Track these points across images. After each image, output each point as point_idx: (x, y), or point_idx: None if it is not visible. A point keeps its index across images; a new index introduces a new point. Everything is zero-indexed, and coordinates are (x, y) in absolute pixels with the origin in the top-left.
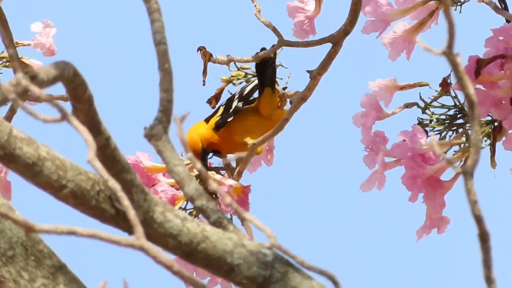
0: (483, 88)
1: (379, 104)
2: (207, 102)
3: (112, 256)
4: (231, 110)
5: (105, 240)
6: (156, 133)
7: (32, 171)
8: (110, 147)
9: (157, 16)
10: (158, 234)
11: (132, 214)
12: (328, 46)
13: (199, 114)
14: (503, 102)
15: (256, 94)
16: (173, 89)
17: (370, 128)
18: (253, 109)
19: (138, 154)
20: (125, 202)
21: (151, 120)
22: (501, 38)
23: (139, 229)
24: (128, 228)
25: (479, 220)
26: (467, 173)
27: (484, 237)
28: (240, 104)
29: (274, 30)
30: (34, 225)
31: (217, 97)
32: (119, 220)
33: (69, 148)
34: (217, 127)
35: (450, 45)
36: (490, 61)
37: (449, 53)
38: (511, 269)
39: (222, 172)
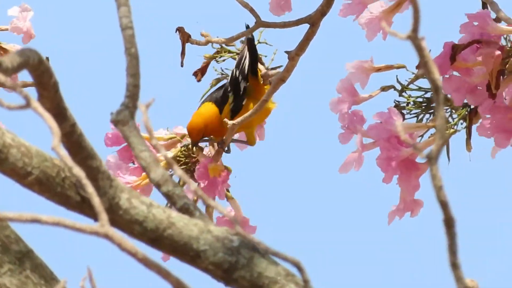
0: (459, 75)
1: (354, 88)
2: (193, 74)
3: (79, 241)
4: (241, 93)
5: (70, 228)
6: (122, 118)
7: None
8: (75, 133)
9: (124, 0)
10: (124, 220)
11: (96, 201)
12: (305, 27)
13: (178, 95)
14: (478, 87)
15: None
16: (139, 74)
17: (346, 114)
18: (251, 92)
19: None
20: (90, 189)
21: (118, 105)
22: (476, 23)
23: (103, 216)
24: (93, 215)
25: (444, 206)
26: (432, 158)
27: (449, 223)
28: (246, 84)
29: (252, 11)
30: None
31: (203, 70)
32: (85, 207)
33: (35, 135)
34: (233, 114)
35: (415, 29)
36: (465, 46)
37: (414, 38)
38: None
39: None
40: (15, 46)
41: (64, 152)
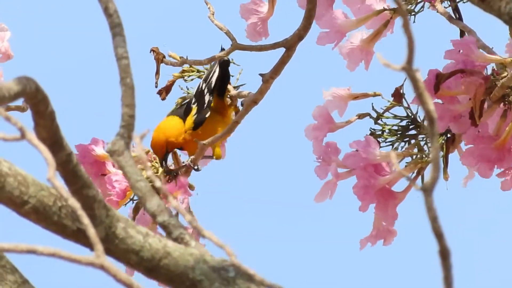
0: (442, 103)
1: (330, 116)
2: (157, 93)
3: (75, 271)
4: (205, 106)
5: (66, 259)
6: (118, 148)
7: None
8: (71, 163)
9: (119, 30)
10: (120, 250)
11: (92, 232)
12: (281, 50)
13: (152, 115)
14: (462, 116)
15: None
16: (135, 104)
17: (322, 141)
18: (216, 112)
19: (93, 140)
20: (85, 220)
21: (113, 135)
22: (461, 51)
23: (99, 247)
24: (90, 244)
25: (439, 237)
26: (427, 190)
27: (444, 254)
28: (211, 98)
29: (228, 33)
30: None
31: (167, 88)
32: (81, 236)
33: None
34: (196, 126)
35: (410, 60)
36: (450, 75)
37: (409, 69)
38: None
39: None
40: None
41: (59, 183)
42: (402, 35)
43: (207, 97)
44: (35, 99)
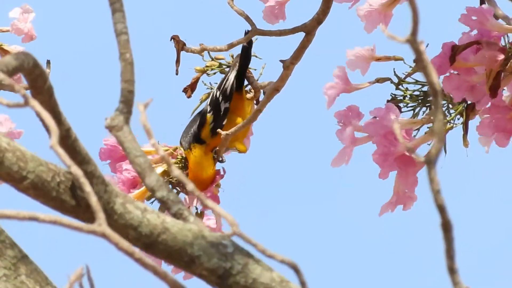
0: (458, 74)
1: (347, 77)
2: (183, 91)
3: (74, 248)
4: (221, 113)
5: (67, 226)
6: (117, 124)
7: None
8: (70, 138)
9: (118, 6)
10: (118, 225)
11: (94, 200)
12: (300, 35)
13: (172, 104)
14: (478, 85)
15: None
16: (134, 79)
17: (334, 100)
18: (234, 109)
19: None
20: (87, 188)
21: (112, 110)
22: (475, 18)
23: (101, 215)
24: (88, 219)
25: (442, 210)
26: (430, 163)
27: (447, 227)
28: (227, 105)
29: (247, 18)
30: None
31: (192, 86)
32: (79, 212)
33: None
34: (214, 134)
35: (414, 32)
36: (465, 47)
37: (413, 41)
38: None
39: None
40: (17, 47)
41: (62, 151)
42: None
43: (222, 105)
44: (33, 75)
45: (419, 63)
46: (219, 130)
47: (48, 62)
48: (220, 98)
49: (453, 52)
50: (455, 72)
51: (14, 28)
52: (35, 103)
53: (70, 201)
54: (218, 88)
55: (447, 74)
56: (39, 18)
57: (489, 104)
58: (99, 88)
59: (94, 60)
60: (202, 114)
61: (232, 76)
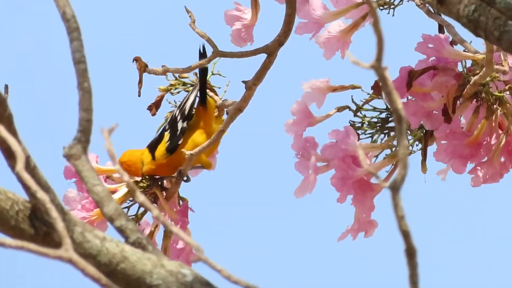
0: (415, 99)
1: (309, 110)
2: (148, 109)
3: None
4: (178, 133)
5: (34, 252)
6: (75, 152)
7: None
8: (29, 166)
9: (76, 35)
10: (77, 254)
11: (60, 226)
12: (263, 56)
13: (135, 125)
14: (434, 112)
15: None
16: (92, 108)
17: (301, 136)
18: (194, 125)
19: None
20: (54, 214)
21: (70, 139)
22: (431, 45)
23: (67, 241)
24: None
25: (406, 235)
26: (395, 188)
27: (411, 253)
28: (185, 124)
29: (209, 40)
30: None
31: (157, 104)
32: (38, 240)
33: None
34: (170, 151)
35: (379, 58)
36: (422, 72)
37: (377, 67)
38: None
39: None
40: None
41: (28, 176)
42: (386, 29)
43: (179, 124)
44: None
45: (384, 89)
46: (183, 150)
47: (6, 86)
48: (178, 117)
49: (410, 78)
50: (412, 98)
51: None
52: (1, 128)
53: (29, 230)
54: (178, 107)
55: (404, 99)
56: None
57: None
58: (57, 113)
59: (50, 85)
60: (160, 132)
61: (192, 96)
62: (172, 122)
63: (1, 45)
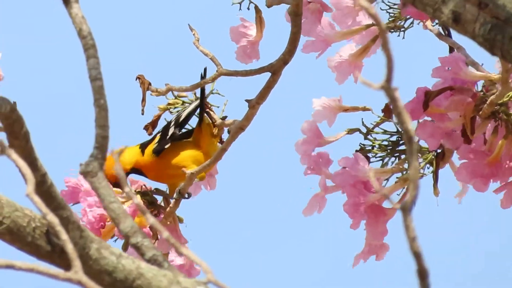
0: (432, 120)
1: (319, 130)
2: (144, 128)
3: None
4: (167, 137)
5: (43, 274)
6: (91, 170)
7: None
8: (46, 183)
9: (93, 52)
10: (93, 270)
11: (70, 248)
12: (267, 75)
13: (138, 142)
14: (454, 132)
15: (192, 120)
16: (108, 125)
17: (310, 156)
18: (191, 141)
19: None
20: (64, 236)
21: (87, 156)
22: (448, 68)
23: (77, 263)
24: (63, 265)
25: (418, 256)
26: (406, 210)
27: (423, 274)
28: (177, 131)
29: (213, 59)
30: None
31: (153, 123)
32: (55, 257)
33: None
34: (156, 153)
35: (389, 79)
36: (439, 93)
37: (387, 88)
38: None
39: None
40: None
41: (38, 199)
42: (397, 51)
43: (171, 130)
44: (9, 119)
45: (394, 110)
46: (184, 169)
47: (14, 103)
48: (172, 123)
49: (427, 99)
50: (429, 119)
51: None
52: (11, 151)
53: (45, 246)
54: (176, 115)
55: (421, 121)
56: (6, 58)
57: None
58: (73, 130)
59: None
60: (155, 134)
61: (191, 107)
62: (165, 126)
63: (17, 60)
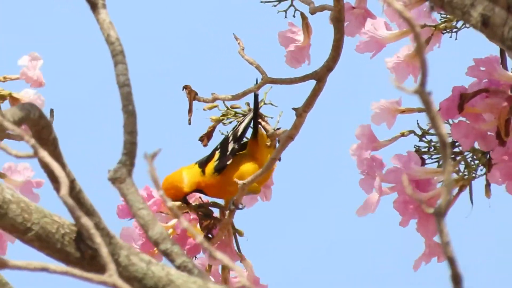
0: (467, 121)
1: (373, 134)
2: (199, 140)
3: None
4: (228, 153)
5: (78, 277)
6: (120, 176)
7: None
8: (75, 189)
9: (121, 58)
10: (123, 277)
11: (104, 251)
12: (312, 82)
13: (185, 153)
14: (489, 133)
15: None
16: (137, 131)
17: (363, 160)
18: (247, 154)
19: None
20: (98, 239)
21: (115, 162)
22: (483, 68)
23: (111, 266)
24: (92, 271)
25: (451, 261)
26: (439, 214)
27: (456, 279)
28: (236, 146)
29: (258, 67)
30: (7, 261)
31: (208, 135)
32: (84, 263)
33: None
34: (218, 171)
35: (423, 83)
36: (474, 95)
37: (421, 92)
38: None
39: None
40: (28, 91)
41: (71, 201)
42: (452, 49)
43: (230, 145)
44: (38, 126)
45: (428, 114)
46: (236, 179)
47: (52, 111)
48: (230, 138)
49: (462, 101)
50: (464, 119)
51: (23, 75)
52: (44, 153)
53: (74, 253)
54: (232, 129)
55: (456, 121)
56: (47, 65)
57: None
58: (104, 137)
59: (100, 108)
60: (212, 150)
61: (246, 120)
62: (223, 142)
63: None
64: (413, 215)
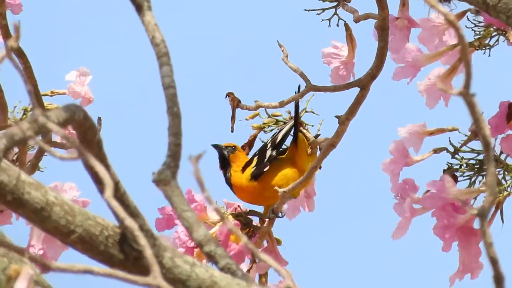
0: None
1: (407, 150)
2: (241, 148)
3: None
4: (265, 160)
5: (122, 279)
6: (164, 178)
7: (41, 216)
8: (119, 191)
9: (166, 59)
10: (167, 279)
11: (149, 253)
12: (355, 90)
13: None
14: None
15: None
16: (181, 133)
17: (398, 175)
18: (287, 159)
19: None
20: (142, 241)
21: (160, 164)
22: None
23: (156, 268)
24: (137, 272)
25: (494, 262)
26: (482, 215)
27: (499, 280)
28: (274, 153)
29: (302, 75)
30: (50, 263)
31: (250, 144)
32: (128, 265)
33: None
34: (254, 177)
35: (467, 85)
36: None
37: (465, 93)
38: None
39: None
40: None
41: (116, 203)
42: (483, 69)
43: (268, 152)
44: (83, 127)
45: (472, 116)
46: (276, 187)
47: (99, 119)
48: (269, 145)
49: (510, 110)
50: None
51: (70, 91)
52: (89, 156)
53: (118, 255)
54: (272, 136)
55: (505, 134)
56: (97, 79)
57: None
58: (149, 139)
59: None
60: (252, 155)
61: (286, 127)
62: (261, 149)
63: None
64: (454, 238)
